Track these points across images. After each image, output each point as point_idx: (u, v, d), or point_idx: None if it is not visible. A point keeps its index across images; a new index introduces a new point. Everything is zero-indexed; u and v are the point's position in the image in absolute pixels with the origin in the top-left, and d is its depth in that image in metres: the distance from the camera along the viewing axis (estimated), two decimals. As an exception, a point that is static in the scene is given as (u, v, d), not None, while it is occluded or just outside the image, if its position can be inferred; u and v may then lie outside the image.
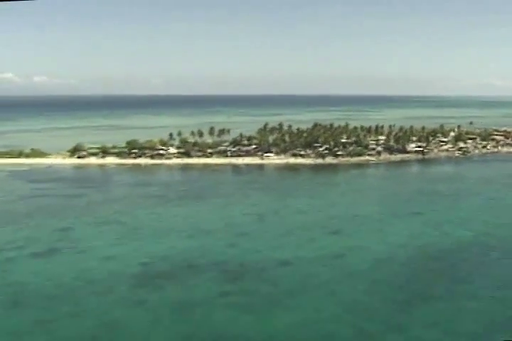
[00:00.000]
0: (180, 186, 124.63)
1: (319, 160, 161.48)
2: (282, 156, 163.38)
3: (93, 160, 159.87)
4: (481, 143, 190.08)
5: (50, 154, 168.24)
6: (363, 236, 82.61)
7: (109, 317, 54.62)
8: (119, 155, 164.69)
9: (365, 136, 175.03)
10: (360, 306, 56.91)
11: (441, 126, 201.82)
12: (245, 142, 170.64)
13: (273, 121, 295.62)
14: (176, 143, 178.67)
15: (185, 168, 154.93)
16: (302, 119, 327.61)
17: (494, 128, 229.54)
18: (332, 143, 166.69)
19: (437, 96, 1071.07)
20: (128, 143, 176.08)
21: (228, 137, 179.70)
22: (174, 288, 62.57)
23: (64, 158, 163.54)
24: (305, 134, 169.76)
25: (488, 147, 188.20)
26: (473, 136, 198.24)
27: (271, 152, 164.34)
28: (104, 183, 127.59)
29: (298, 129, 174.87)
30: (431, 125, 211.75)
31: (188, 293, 60.97)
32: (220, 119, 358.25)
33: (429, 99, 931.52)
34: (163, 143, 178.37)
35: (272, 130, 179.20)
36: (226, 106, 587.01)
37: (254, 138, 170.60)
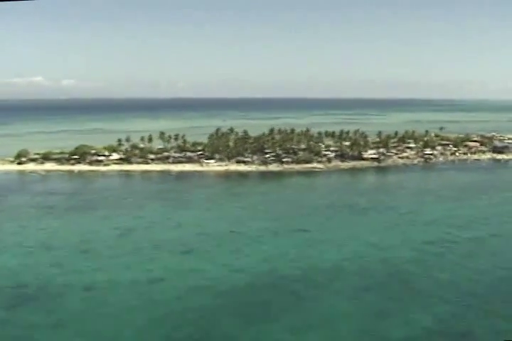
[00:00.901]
0: (86, 195, 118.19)
1: (262, 168, 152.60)
2: (225, 163, 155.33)
3: (30, 167, 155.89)
4: (450, 150, 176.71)
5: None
6: (212, 258, 73.85)
7: None
8: (58, 161, 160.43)
9: (317, 142, 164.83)
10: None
11: (413, 132, 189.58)
12: (192, 148, 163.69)
13: (267, 124, 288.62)
14: (128, 148, 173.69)
15: (118, 175, 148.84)
16: (299, 123, 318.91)
17: (480, 133, 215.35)
18: (278, 149, 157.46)
19: (462, 100, 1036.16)
20: (77, 148, 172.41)
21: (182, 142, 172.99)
22: None
23: (3, 164, 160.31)
24: (251, 140, 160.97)
25: (457, 154, 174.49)
26: (447, 142, 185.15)
27: (213, 158, 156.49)
28: (9, 192, 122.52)
29: (245, 134, 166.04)
30: (423, 129, 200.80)
31: None
32: (215, 123, 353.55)
33: (452, 102, 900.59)
34: (113, 149, 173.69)
35: (223, 135, 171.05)
36: (232, 109, 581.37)
37: (199, 144, 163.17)
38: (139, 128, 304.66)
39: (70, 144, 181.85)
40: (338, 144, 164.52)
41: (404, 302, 57.61)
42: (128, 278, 66.34)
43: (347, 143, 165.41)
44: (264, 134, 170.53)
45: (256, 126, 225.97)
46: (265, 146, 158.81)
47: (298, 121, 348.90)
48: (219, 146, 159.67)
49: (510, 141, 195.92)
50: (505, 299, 57.52)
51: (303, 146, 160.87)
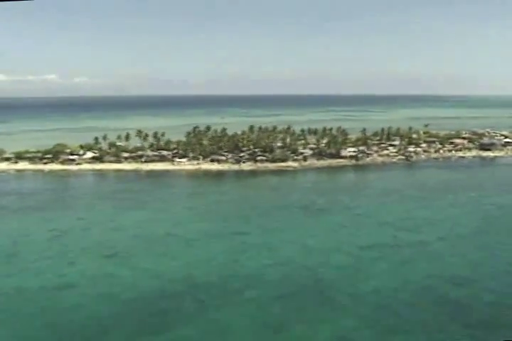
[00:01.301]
0: (42, 195, 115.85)
1: (235, 167, 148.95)
2: (198, 161, 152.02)
3: (2, 166, 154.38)
4: (435, 147, 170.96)
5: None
6: (134, 262, 70.65)
7: None
8: (31, 160, 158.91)
9: (295, 140, 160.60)
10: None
11: (398, 129, 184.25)
12: (165, 147, 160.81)
13: (265, 122, 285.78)
14: (105, 146, 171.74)
15: (88, 174, 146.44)
16: (299, 120, 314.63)
17: (473, 130, 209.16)
18: (252, 147, 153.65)
19: (473, 96, 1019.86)
20: (53, 147, 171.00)
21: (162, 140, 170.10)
22: None
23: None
24: (226, 138, 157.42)
25: (442, 151, 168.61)
26: (433, 139, 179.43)
27: (186, 157, 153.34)
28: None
29: (222, 132, 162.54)
30: (419, 126, 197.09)
31: None
32: (214, 120, 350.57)
33: (463, 98, 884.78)
34: (89, 148, 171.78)
35: (200, 133, 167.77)
36: (235, 106, 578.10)
37: (172, 142, 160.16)
38: (135, 126, 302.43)
39: (58, 142, 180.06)
40: (314, 141, 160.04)
41: (308, 315, 53.67)
42: (37, 283, 63.60)
43: (325, 141, 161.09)
44: (243, 132, 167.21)
45: (253, 123, 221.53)
46: (239, 145, 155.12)
47: (297, 118, 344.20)
48: (193, 144, 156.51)
49: (501, 138, 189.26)
50: (416, 313, 53.23)
51: (279, 144, 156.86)
